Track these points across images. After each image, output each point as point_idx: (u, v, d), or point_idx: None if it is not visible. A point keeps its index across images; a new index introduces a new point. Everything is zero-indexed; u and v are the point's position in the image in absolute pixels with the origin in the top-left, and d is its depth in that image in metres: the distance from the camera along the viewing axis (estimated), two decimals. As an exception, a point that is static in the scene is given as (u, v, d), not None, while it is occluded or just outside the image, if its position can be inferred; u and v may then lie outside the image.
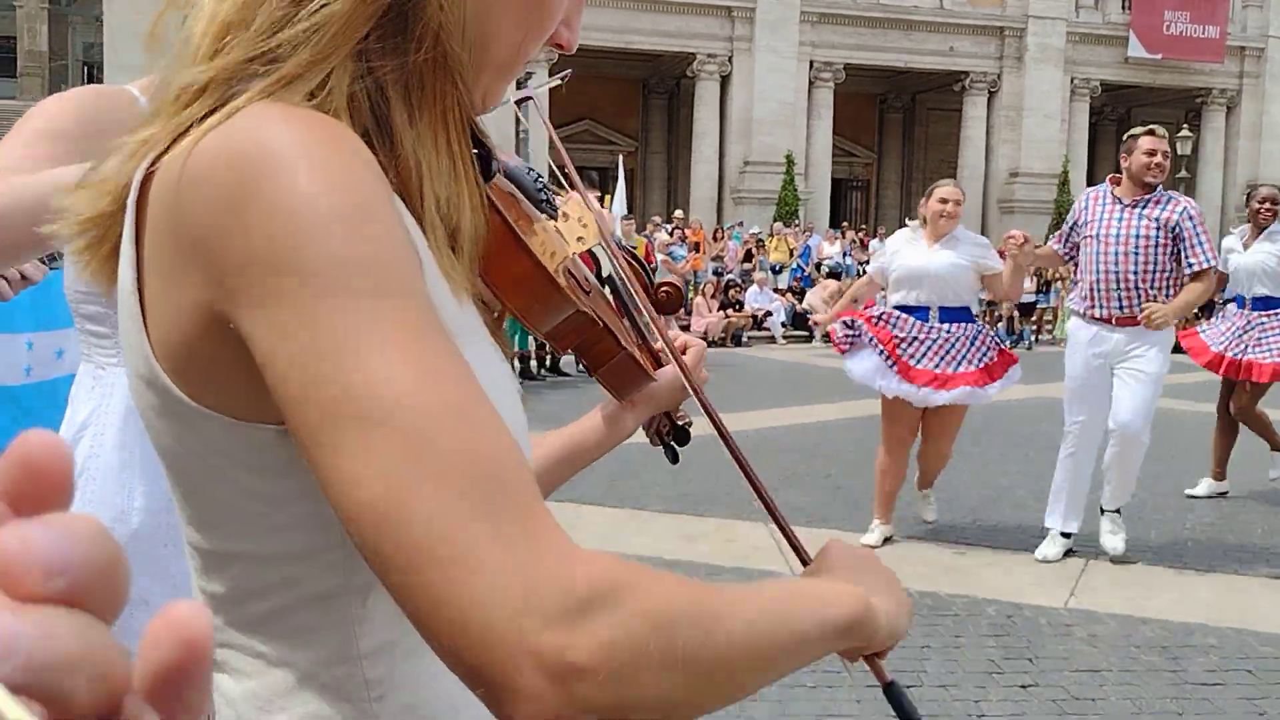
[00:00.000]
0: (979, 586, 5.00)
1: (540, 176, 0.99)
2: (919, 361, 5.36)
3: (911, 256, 5.48)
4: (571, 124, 29.42)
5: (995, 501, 6.79)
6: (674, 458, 1.21)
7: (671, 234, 19.48)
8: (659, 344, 1.12)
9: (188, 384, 0.68)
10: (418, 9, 0.71)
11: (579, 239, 1.03)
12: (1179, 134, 26.46)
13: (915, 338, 5.39)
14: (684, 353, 1.14)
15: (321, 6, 0.68)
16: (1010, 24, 29.98)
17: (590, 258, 1.06)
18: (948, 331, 5.40)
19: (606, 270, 1.09)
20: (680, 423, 1.21)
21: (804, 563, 0.88)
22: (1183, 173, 25.85)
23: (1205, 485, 6.94)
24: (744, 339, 18.64)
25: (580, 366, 13.64)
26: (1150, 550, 5.69)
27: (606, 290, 1.09)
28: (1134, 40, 30.48)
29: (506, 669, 0.55)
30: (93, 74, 30.93)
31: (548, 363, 13.35)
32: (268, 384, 0.61)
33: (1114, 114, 35.20)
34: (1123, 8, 30.87)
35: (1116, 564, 5.38)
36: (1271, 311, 6.64)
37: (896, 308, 5.51)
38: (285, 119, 0.64)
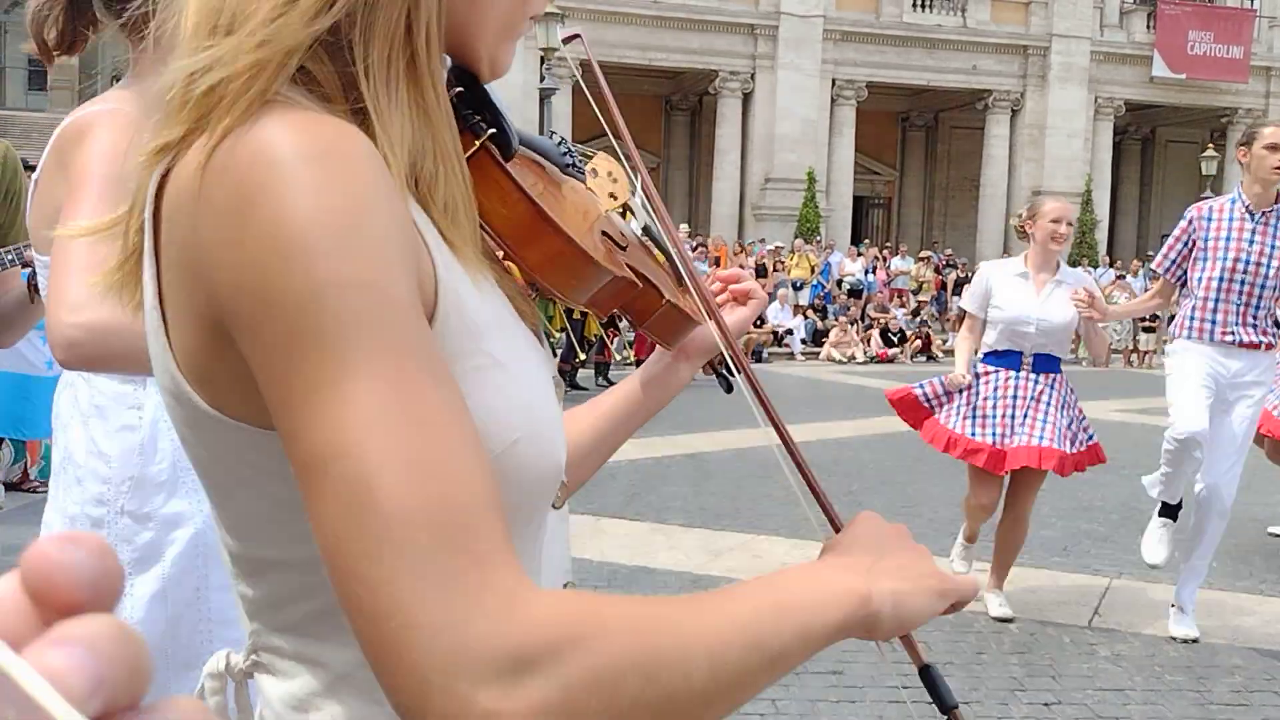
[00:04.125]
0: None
1: (565, 141, 0.99)
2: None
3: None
4: (594, 140, 29.52)
5: (1017, 519, 6.74)
6: (728, 387, 1.18)
7: (694, 250, 19.51)
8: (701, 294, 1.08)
9: (210, 394, 0.69)
10: None
11: (611, 195, 1.02)
12: (1204, 154, 26.34)
13: None
14: (748, 299, 1.18)
15: None
16: (1034, 42, 29.93)
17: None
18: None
19: (643, 221, 1.08)
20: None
21: (836, 530, 0.87)
22: (1207, 193, 25.70)
23: None
24: (764, 355, 18.64)
25: (612, 364, 13.66)
26: (1175, 570, 5.64)
27: (644, 238, 1.08)
28: (1158, 60, 30.37)
29: None
30: (121, 87, 31.30)
31: (566, 378, 13.40)
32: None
33: (1138, 133, 35.06)
34: (1147, 27, 30.76)
35: (1142, 582, 5.33)
36: None
37: None
38: (285, 128, 0.63)
